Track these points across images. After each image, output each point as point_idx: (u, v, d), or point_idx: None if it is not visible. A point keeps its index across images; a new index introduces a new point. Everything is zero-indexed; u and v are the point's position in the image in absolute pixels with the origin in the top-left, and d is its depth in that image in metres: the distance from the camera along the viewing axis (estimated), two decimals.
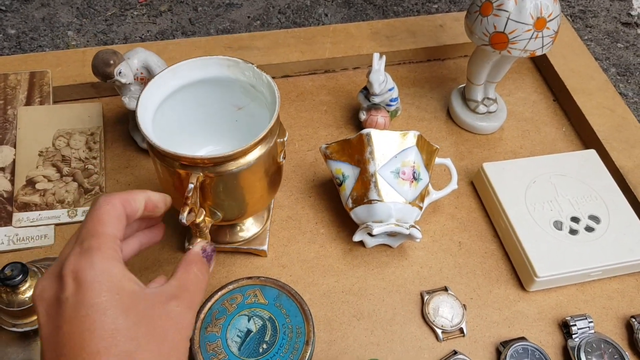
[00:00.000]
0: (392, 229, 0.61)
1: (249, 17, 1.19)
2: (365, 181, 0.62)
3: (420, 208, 0.64)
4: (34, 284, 0.50)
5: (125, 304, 0.36)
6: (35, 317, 0.52)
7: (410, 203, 0.62)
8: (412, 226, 0.62)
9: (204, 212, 0.51)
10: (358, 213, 0.64)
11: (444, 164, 0.69)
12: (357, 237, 0.64)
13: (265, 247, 0.65)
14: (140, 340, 0.36)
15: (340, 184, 0.65)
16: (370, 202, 0.62)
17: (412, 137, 0.63)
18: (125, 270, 0.39)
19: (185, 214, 0.47)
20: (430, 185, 0.67)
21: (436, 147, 0.66)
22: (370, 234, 0.64)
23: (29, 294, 0.51)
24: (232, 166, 0.50)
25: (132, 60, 0.67)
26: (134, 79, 0.67)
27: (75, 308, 0.35)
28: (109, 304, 0.36)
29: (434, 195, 0.68)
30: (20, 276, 0.50)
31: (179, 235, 0.66)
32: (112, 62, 0.63)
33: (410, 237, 0.63)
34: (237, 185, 0.52)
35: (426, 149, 0.65)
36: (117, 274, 0.37)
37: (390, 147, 0.62)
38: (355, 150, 0.63)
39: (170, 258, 0.65)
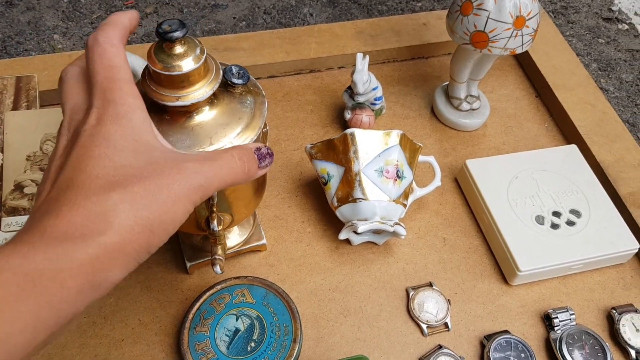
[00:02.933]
0: (377, 226, 0.62)
1: (234, 17, 1.19)
2: (349, 180, 0.63)
3: (405, 205, 0.66)
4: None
5: (138, 148, 0.36)
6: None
7: (394, 201, 0.63)
8: (397, 223, 0.63)
9: (222, 218, 0.52)
10: (343, 212, 0.65)
11: (428, 162, 0.70)
12: (342, 236, 0.65)
13: (264, 241, 0.66)
14: (141, 179, 0.35)
15: (326, 183, 0.66)
16: (355, 200, 0.63)
17: (395, 136, 0.64)
18: (148, 124, 0.38)
19: (215, 222, 0.49)
20: (414, 182, 0.68)
21: (419, 145, 0.67)
22: (355, 232, 0.65)
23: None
24: None
25: None
26: None
27: (90, 136, 0.36)
28: (124, 142, 0.36)
29: (418, 192, 0.69)
30: (179, 31, 0.43)
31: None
32: None
33: (394, 234, 0.64)
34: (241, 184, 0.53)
35: (409, 147, 0.66)
36: (139, 123, 0.37)
37: (374, 146, 0.63)
38: (340, 150, 0.64)
39: (160, 260, 0.66)
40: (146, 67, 0.47)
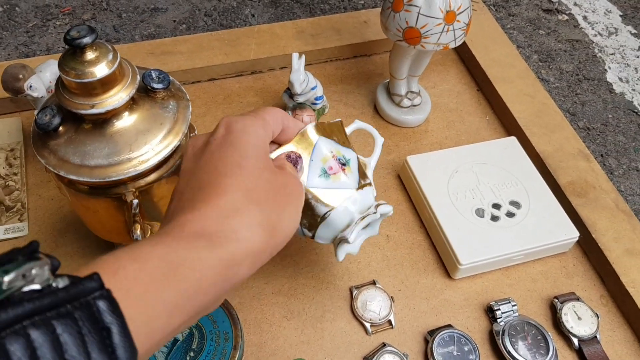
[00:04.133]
0: (363, 223, 0.54)
1: (174, 21, 1.17)
2: (305, 204, 0.51)
3: (370, 184, 0.57)
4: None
5: (261, 158, 0.41)
6: None
7: (358, 188, 0.55)
8: (378, 205, 0.55)
9: (150, 226, 0.50)
10: (322, 235, 0.55)
11: (358, 129, 0.61)
12: (341, 256, 0.55)
13: None
14: (264, 183, 0.40)
15: None
16: (323, 218, 0.53)
17: (312, 131, 0.54)
18: (267, 141, 0.44)
19: (139, 231, 0.48)
20: (359, 156, 0.59)
21: (338, 120, 0.58)
22: (348, 242, 0.54)
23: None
24: (162, 171, 0.50)
25: (44, 73, 0.65)
26: (47, 92, 0.65)
27: (219, 145, 0.41)
28: (251, 149, 0.41)
29: (371, 161, 0.61)
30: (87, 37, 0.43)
31: (104, 247, 0.66)
32: (21, 76, 0.62)
33: (383, 216, 0.55)
34: (171, 190, 0.52)
35: (332, 130, 0.57)
36: (262, 136, 0.43)
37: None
38: None
39: None
40: (59, 77, 0.45)
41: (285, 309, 0.63)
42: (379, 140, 0.61)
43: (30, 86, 0.63)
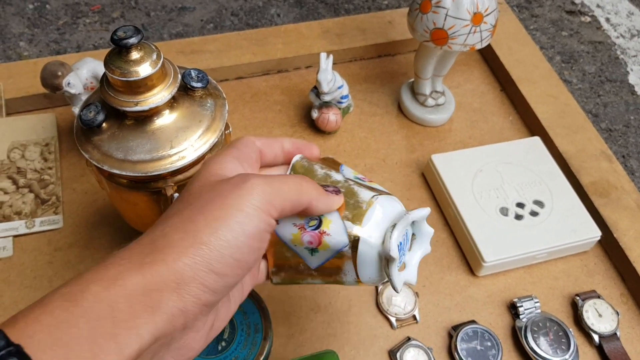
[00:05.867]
0: (402, 231, 0.41)
1: (201, 20, 1.20)
2: (332, 262, 0.42)
3: (379, 192, 0.43)
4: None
5: (203, 190, 0.37)
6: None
7: (367, 202, 0.41)
8: (406, 213, 0.42)
9: None
10: (369, 275, 0.42)
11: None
12: (399, 285, 0.42)
13: None
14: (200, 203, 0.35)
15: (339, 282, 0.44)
16: (354, 260, 0.41)
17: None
18: (233, 165, 0.39)
19: None
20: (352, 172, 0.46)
21: (330, 157, 0.48)
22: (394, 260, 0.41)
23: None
24: (197, 168, 0.51)
25: (81, 71, 0.67)
26: (84, 89, 0.68)
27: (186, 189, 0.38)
28: (196, 190, 0.37)
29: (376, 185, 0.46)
30: (134, 37, 0.44)
31: None
32: (59, 73, 0.64)
33: (420, 219, 0.43)
34: None
35: (309, 170, 0.44)
36: (217, 167, 0.38)
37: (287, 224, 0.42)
38: (292, 264, 0.43)
39: None
40: (104, 74, 0.47)
41: (312, 303, 0.64)
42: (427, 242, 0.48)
43: (69, 83, 0.65)
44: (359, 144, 0.80)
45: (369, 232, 0.40)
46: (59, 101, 0.80)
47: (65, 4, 1.16)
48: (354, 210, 0.41)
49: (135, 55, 0.45)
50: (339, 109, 0.79)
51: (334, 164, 0.46)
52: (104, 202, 0.71)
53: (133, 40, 0.44)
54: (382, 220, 0.41)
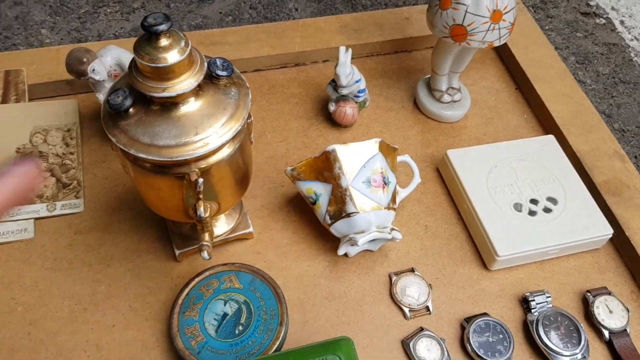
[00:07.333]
0: (375, 236, 0.63)
1: (220, 12, 1.21)
2: (339, 196, 0.63)
3: (394, 210, 0.66)
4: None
5: None
6: None
7: (386, 208, 0.64)
8: (393, 229, 0.64)
9: (209, 206, 0.53)
10: (338, 228, 0.65)
11: (405, 162, 0.71)
12: (341, 251, 0.65)
13: (251, 229, 0.68)
14: None
15: (314, 203, 0.66)
16: (348, 215, 0.63)
17: (374, 144, 0.65)
18: None
19: (202, 209, 0.51)
20: (397, 185, 0.69)
21: (395, 147, 0.69)
22: (354, 244, 0.64)
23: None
24: (223, 154, 0.52)
25: (105, 58, 0.69)
26: (108, 76, 0.69)
27: None
28: None
29: (402, 193, 0.71)
30: (163, 24, 0.45)
31: (156, 225, 0.69)
32: (85, 59, 0.65)
33: (392, 240, 0.64)
34: (228, 172, 0.55)
35: (388, 152, 0.67)
36: None
37: (357, 158, 0.64)
38: (324, 168, 0.64)
39: (150, 248, 0.67)
40: (133, 60, 0.48)
41: (326, 291, 0.66)
42: (417, 180, 0.71)
43: (94, 69, 0.66)
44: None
45: (370, 217, 0.63)
46: (81, 88, 0.82)
47: None
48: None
49: (164, 42, 0.46)
50: (356, 102, 0.80)
51: (392, 151, 0.68)
52: (124, 188, 0.72)
53: (163, 27, 0.45)
54: (380, 219, 0.64)
